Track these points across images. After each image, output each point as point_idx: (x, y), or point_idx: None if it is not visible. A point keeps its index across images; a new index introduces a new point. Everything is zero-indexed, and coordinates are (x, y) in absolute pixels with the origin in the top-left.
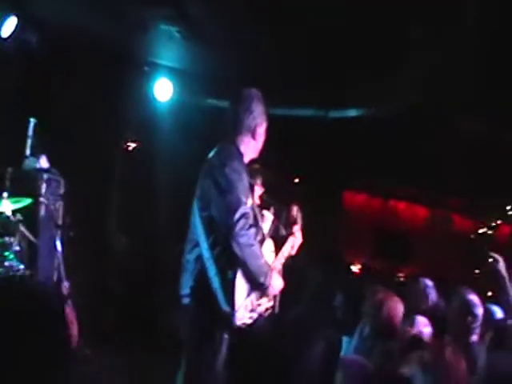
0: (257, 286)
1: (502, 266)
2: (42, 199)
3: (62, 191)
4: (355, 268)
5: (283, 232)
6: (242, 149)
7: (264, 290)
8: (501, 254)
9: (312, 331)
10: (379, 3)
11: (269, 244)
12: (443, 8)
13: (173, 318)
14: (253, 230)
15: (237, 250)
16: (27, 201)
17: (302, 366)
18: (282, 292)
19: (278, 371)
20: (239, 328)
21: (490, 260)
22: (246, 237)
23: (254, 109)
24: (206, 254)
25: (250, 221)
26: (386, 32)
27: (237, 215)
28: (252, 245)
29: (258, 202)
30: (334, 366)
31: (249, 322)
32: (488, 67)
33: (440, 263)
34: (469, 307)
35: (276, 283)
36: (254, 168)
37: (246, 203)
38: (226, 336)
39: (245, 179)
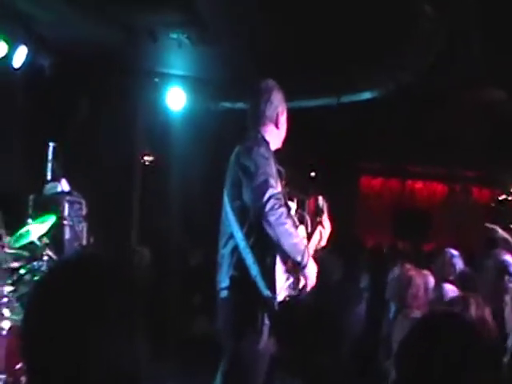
0: (294, 265)
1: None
2: (65, 221)
3: (84, 212)
4: (377, 251)
5: (308, 222)
6: (267, 138)
7: (302, 269)
8: None
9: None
10: None
11: (301, 230)
12: None
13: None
14: (283, 209)
15: (269, 229)
16: (51, 218)
17: (348, 327)
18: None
19: (326, 333)
20: (284, 301)
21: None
22: (276, 215)
23: (274, 99)
24: (242, 243)
25: (281, 202)
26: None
27: (266, 196)
28: (284, 223)
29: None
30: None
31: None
32: (498, 36)
33: (462, 236)
34: (505, 266)
35: (312, 268)
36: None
37: (274, 187)
38: (267, 322)
39: (272, 164)
